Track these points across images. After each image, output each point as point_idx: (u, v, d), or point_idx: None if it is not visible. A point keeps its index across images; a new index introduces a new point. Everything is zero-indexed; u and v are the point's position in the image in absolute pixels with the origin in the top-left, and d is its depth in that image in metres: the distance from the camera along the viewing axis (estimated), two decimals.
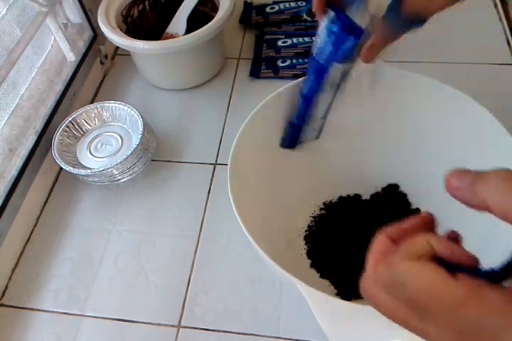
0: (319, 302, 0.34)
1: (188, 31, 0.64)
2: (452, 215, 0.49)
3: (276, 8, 0.78)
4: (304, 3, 0.78)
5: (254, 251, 0.39)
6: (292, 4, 0.78)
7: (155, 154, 0.62)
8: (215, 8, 0.66)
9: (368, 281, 0.25)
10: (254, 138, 0.46)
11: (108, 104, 0.61)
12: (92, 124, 0.62)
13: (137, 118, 0.59)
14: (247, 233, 0.38)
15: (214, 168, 0.62)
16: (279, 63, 0.71)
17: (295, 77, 0.68)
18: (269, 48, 0.73)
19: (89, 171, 0.56)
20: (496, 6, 0.76)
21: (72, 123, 0.60)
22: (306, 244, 0.53)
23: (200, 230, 0.56)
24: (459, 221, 0.46)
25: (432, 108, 0.48)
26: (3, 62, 0.54)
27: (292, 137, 0.50)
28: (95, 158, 0.59)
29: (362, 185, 0.56)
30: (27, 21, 0.59)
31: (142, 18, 0.71)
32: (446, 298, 0.20)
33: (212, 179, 0.61)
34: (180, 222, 0.57)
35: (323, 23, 0.39)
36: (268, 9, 0.79)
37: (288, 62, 0.71)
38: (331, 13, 0.38)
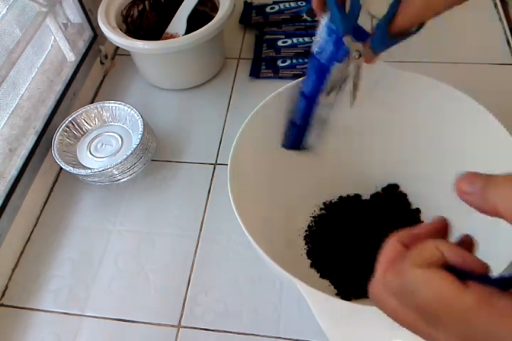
0: (319, 302, 0.34)
1: (188, 31, 0.64)
2: (452, 215, 0.49)
3: (276, 8, 0.78)
4: (304, 3, 0.78)
5: (254, 251, 0.39)
6: (292, 4, 0.78)
7: (155, 154, 0.62)
8: (215, 8, 0.66)
9: (376, 286, 0.24)
10: (254, 138, 0.46)
11: (108, 104, 0.61)
12: (92, 124, 0.62)
13: (137, 118, 0.59)
14: (247, 233, 0.38)
15: (214, 168, 0.62)
16: (279, 63, 0.71)
17: (295, 77, 0.68)
18: (269, 48, 0.73)
19: (89, 171, 0.56)
20: (496, 6, 0.76)
21: (72, 123, 0.60)
22: (306, 244, 0.53)
23: (200, 230, 0.56)
24: (459, 221, 0.46)
25: (431, 108, 0.48)
26: (3, 62, 0.54)
27: (295, 138, 0.49)
28: (95, 158, 0.59)
29: (362, 185, 0.56)
30: (27, 21, 0.59)
31: (142, 18, 0.71)
32: (456, 305, 0.20)
33: (212, 179, 0.61)
34: (180, 222, 0.57)
35: (324, 22, 0.39)
36: (268, 9, 0.79)
37: (288, 62, 0.71)
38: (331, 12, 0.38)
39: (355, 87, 0.42)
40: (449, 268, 0.22)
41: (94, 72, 0.72)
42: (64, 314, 0.51)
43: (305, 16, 0.77)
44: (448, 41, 0.71)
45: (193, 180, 0.61)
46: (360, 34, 0.37)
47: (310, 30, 0.74)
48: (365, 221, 0.53)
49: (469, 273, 0.21)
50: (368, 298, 0.51)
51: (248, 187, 0.45)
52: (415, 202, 0.55)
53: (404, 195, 0.55)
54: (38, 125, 0.59)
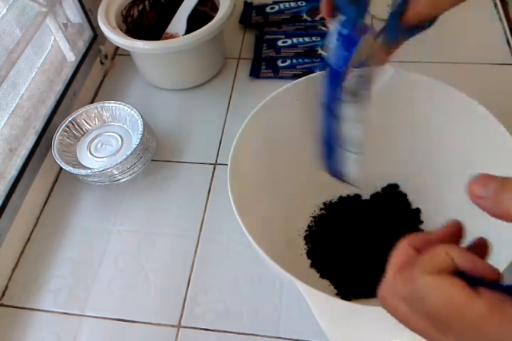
0: (319, 302, 0.34)
1: (188, 31, 0.64)
2: (452, 215, 0.49)
3: (276, 8, 0.78)
4: (304, 3, 0.78)
5: (254, 251, 0.39)
6: (292, 4, 0.78)
7: (155, 154, 0.62)
8: (215, 8, 0.66)
9: (386, 290, 0.24)
10: (254, 138, 0.46)
11: (108, 104, 0.61)
12: (92, 124, 0.62)
13: (137, 118, 0.59)
14: (247, 233, 0.38)
15: (214, 168, 0.62)
16: (279, 63, 0.71)
17: (295, 77, 0.68)
18: (269, 48, 0.73)
19: (89, 171, 0.56)
20: (496, 6, 0.76)
21: (72, 123, 0.60)
22: (306, 244, 0.53)
23: (200, 230, 0.56)
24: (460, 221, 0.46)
25: (431, 108, 0.48)
26: (3, 62, 0.54)
27: (330, 160, 0.47)
28: (95, 158, 0.59)
29: (362, 185, 0.55)
30: (27, 21, 0.59)
31: (142, 18, 0.71)
32: (467, 313, 0.20)
33: (212, 179, 0.61)
34: (180, 222, 0.57)
35: (334, 28, 0.38)
36: (268, 9, 0.79)
37: (288, 62, 0.71)
38: (342, 17, 0.37)
39: (369, 89, 0.41)
40: (459, 274, 0.21)
41: (94, 72, 0.72)
42: (64, 314, 0.51)
43: (305, 16, 0.77)
44: (448, 41, 0.71)
45: (193, 180, 0.61)
46: (367, 30, 0.36)
47: (310, 30, 0.74)
48: (365, 221, 0.53)
49: (480, 279, 0.21)
50: (367, 298, 0.51)
51: (248, 187, 0.45)
52: (415, 202, 0.55)
53: (404, 195, 0.55)
54: (38, 125, 0.59)
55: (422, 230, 0.53)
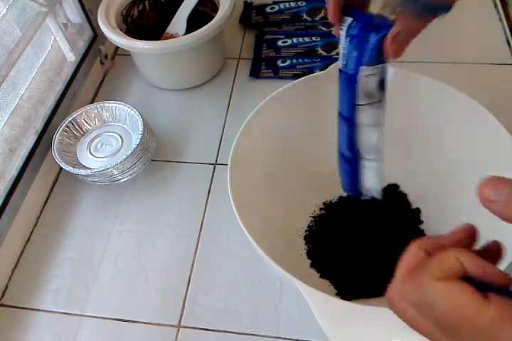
0: (319, 302, 0.34)
1: (188, 31, 0.64)
2: (452, 215, 0.49)
3: (276, 8, 0.78)
4: (304, 3, 0.78)
5: (254, 251, 0.39)
6: (292, 4, 0.78)
7: (155, 154, 0.62)
8: (215, 8, 0.66)
9: (394, 293, 0.24)
10: (254, 138, 0.46)
11: (108, 104, 0.61)
12: (92, 124, 0.62)
13: (137, 118, 0.59)
14: (247, 233, 0.38)
15: (214, 168, 0.62)
16: (279, 63, 0.71)
17: (295, 77, 0.68)
18: (269, 48, 0.73)
19: (89, 171, 0.56)
20: (496, 6, 0.76)
21: (72, 123, 0.60)
22: (306, 244, 0.53)
23: (200, 230, 0.56)
24: (460, 221, 0.46)
25: (431, 108, 0.48)
26: (3, 62, 0.54)
27: (351, 177, 0.44)
28: (95, 158, 0.59)
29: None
30: (27, 21, 0.59)
31: (142, 18, 0.71)
32: (478, 320, 0.20)
33: (212, 179, 0.61)
34: (180, 222, 0.57)
35: (343, 32, 0.36)
36: (268, 9, 0.79)
37: (288, 62, 0.71)
38: (348, 19, 0.36)
39: (385, 91, 0.39)
40: (468, 279, 0.21)
41: (94, 72, 0.72)
42: (64, 314, 0.51)
43: (305, 16, 0.77)
44: (448, 41, 0.71)
45: (193, 180, 0.61)
46: (375, 26, 0.34)
47: (310, 30, 0.74)
48: (365, 221, 0.53)
49: (490, 285, 0.21)
50: (367, 298, 0.51)
51: (248, 187, 0.45)
52: (415, 202, 0.55)
53: (404, 195, 0.55)
54: (38, 125, 0.59)
55: (422, 230, 0.53)
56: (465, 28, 0.73)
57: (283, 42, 0.73)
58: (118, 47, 0.76)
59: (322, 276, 0.50)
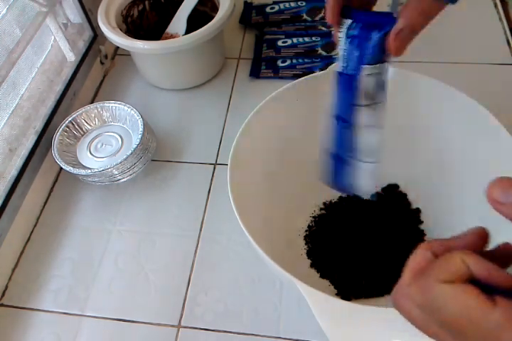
0: (319, 302, 0.34)
1: (188, 31, 0.64)
2: (452, 215, 0.49)
3: (276, 8, 0.78)
4: (304, 3, 0.78)
5: (254, 251, 0.39)
6: (292, 4, 0.78)
7: (155, 154, 0.62)
8: (215, 8, 0.66)
9: (400, 294, 0.24)
10: (254, 138, 0.46)
11: (108, 104, 0.61)
12: (92, 124, 0.62)
13: (137, 118, 0.59)
14: (247, 233, 0.38)
15: (214, 168, 0.62)
16: (279, 63, 0.71)
17: (295, 77, 0.68)
18: (269, 48, 0.73)
19: (89, 171, 0.56)
20: (496, 6, 0.76)
21: (72, 123, 0.60)
22: (306, 244, 0.53)
23: (200, 230, 0.56)
24: (460, 221, 0.46)
25: (431, 108, 0.48)
26: (3, 62, 0.54)
27: (338, 173, 0.44)
28: (95, 158, 0.59)
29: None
30: (27, 21, 0.59)
31: (142, 18, 0.71)
32: (484, 323, 0.20)
33: (212, 179, 0.61)
34: (180, 222, 0.57)
35: (342, 34, 0.36)
36: (268, 9, 0.79)
37: (288, 62, 0.71)
38: (348, 21, 0.35)
39: (384, 92, 0.39)
40: (474, 281, 0.21)
41: (94, 72, 0.72)
42: (64, 314, 0.51)
43: (305, 16, 0.77)
44: (448, 41, 0.71)
45: (193, 180, 0.61)
46: (376, 24, 0.34)
47: (310, 30, 0.74)
48: (365, 221, 0.53)
49: (496, 287, 0.21)
50: (367, 298, 0.51)
51: (248, 187, 0.45)
52: (415, 202, 0.55)
53: (404, 195, 0.55)
54: (38, 125, 0.59)
55: (422, 230, 0.53)
56: (465, 28, 0.73)
57: (283, 42, 0.73)
58: (118, 47, 0.76)
59: (322, 276, 0.50)
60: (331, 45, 0.72)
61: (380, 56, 0.35)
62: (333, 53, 0.71)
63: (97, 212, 0.59)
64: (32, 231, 0.58)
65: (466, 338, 0.21)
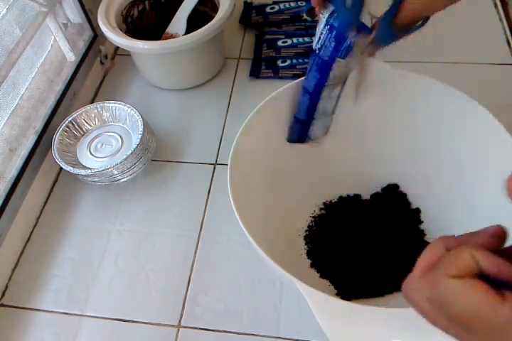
0: (319, 302, 0.34)
1: (188, 31, 0.64)
2: (452, 215, 0.49)
3: (276, 8, 0.78)
4: (304, 3, 0.78)
5: (254, 251, 0.39)
6: (292, 4, 0.78)
7: (155, 154, 0.62)
8: (215, 8, 0.66)
9: (410, 287, 0.24)
10: (254, 138, 0.46)
11: (108, 104, 0.61)
12: (92, 124, 0.62)
13: (137, 118, 0.59)
14: (247, 233, 0.38)
15: (214, 168, 0.62)
16: (279, 63, 0.71)
17: (295, 77, 0.68)
18: (269, 48, 0.73)
19: (89, 171, 0.56)
20: (496, 6, 0.76)
21: (72, 123, 0.60)
22: (306, 244, 0.53)
23: (200, 230, 0.56)
24: (460, 221, 0.46)
25: (431, 108, 0.48)
26: (3, 62, 0.54)
27: (300, 133, 0.49)
28: (95, 158, 0.59)
29: (362, 185, 0.56)
30: (27, 21, 0.59)
31: (142, 18, 0.71)
32: (493, 318, 0.20)
33: (212, 179, 0.61)
34: (180, 222, 0.57)
35: (324, 18, 0.38)
36: (268, 9, 0.79)
37: (288, 62, 0.71)
38: (331, 7, 0.37)
39: (359, 83, 0.41)
40: (485, 277, 0.21)
41: (94, 72, 0.72)
42: (64, 314, 0.51)
43: (305, 16, 0.77)
44: (448, 41, 0.71)
45: (193, 180, 0.61)
46: (362, 29, 0.37)
47: (310, 30, 0.74)
48: (365, 221, 0.53)
49: (505, 282, 0.21)
50: (367, 298, 0.51)
51: (248, 187, 0.45)
52: (415, 202, 0.55)
53: (404, 195, 0.55)
54: (38, 125, 0.59)
55: (422, 230, 0.53)
56: (465, 28, 0.73)
57: (283, 42, 0.73)
58: (118, 47, 0.76)
59: (322, 276, 0.50)
60: None
61: (356, 53, 0.38)
62: None
63: (97, 212, 0.59)
64: (32, 231, 0.58)
65: (475, 333, 0.21)
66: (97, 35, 0.71)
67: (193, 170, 0.62)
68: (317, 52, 0.40)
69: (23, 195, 0.56)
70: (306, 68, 0.73)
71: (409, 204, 0.55)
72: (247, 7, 0.80)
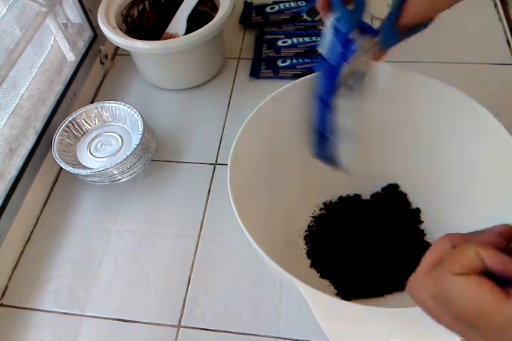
0: (319, 302, 0.34)
1: (188, 31, 0.64)
2: (452, 215, 0.49)
3: (276, 8, 0.78)
4: (304, 3, 0.78)
5: (254, 251, 0.39)
6: (292, 4, 0.78)
7: (155, 154, 0.62)
8: (215, 8, 0.66)
9: (415, 284, 0.24)
10: (254, 138, 0.46)
11: (108, 104, 0.61)
12: (92, 124, 0.62)
13: (137, 118, 0.59)
14: (247, 233, 0.38)
15: (214, 168, 0.62)
16: (279, 63, 0.71)
17: (295, 77, 0.68)
18: (269, 48, 0.73)
19: (89, 171, 0.56)
20: (496, 6, 0.76)
21: (72, 123, 0.60)
22: (306, 244, 0.53)
23: (200, 230, 0.56)
24: (460, 221, 0.46)
25: (431, 108, 0.48)
26: (3, 62, 0.54)
27: (321, 146, 0.47)
28: (95, 158, 0.59)
29: (362, 185, 0.56)
30: (27, 21, 0.59)
31: (142, 18, 0.71)
32: (497, 316, 0.20)
33: (212, 179, 0.61)
34: (180, 222, 0.57)
35: (329, 23, 0.37)
36: (268, 9, 0.79)
37: (288, 62, 0.71)
38: (337, 13, 0.37)
39: (363, 83, 0.41)
40: (489, 274, 0.21)
41: (94, 72, 0.72)
42: (64, 314, 0.51)
43: (305, 16, 0.77)
44: (448, 41, 0.71)
45: (193, 180, 0.61)
46: (367, 31, 0.36)
47: (310, 30, 0.74)
48: (365, 221, 0.53)
49: (510, 280, 0.21)
50: (367, 298, 0.51)
51: (248, 187, 0.45)
52: (415, 202, 0.55)
53: (404, 195, 0.55)
54: (38, 125, 0.59)
55: (422, 230, 0.53)
56: (465, 28, 0.73)
57: (283, 42, 0.73)
58: (118, 47, 0.76)
59: (322, 276, 0.50)
60: None
61: (360, 55, 0.37)
62: None
63: (97, 212, 0.59)
64: (32, 231, 0.58)
65: (478, 330, 0.21)
66: (97, 35, 0.71)
67: (193, 170, 0.62)
68: (324, 55, 0.40)
69: (23, 195, 0.56)
70: (306, 68, 0.73)
71: (409, 204, 0.55)
72: (247, 7, 0.80)
